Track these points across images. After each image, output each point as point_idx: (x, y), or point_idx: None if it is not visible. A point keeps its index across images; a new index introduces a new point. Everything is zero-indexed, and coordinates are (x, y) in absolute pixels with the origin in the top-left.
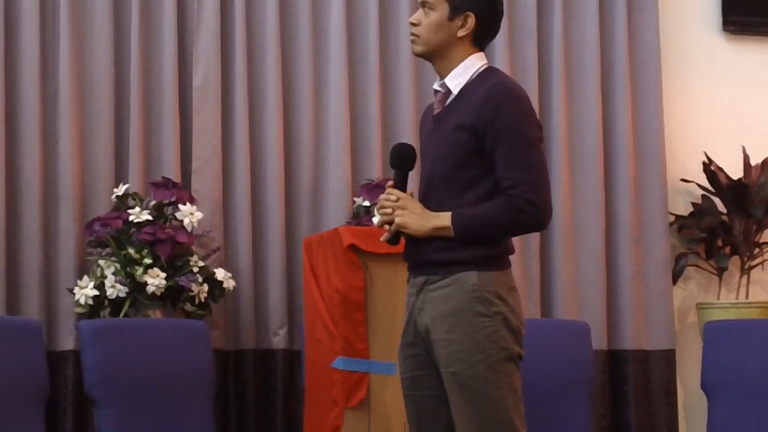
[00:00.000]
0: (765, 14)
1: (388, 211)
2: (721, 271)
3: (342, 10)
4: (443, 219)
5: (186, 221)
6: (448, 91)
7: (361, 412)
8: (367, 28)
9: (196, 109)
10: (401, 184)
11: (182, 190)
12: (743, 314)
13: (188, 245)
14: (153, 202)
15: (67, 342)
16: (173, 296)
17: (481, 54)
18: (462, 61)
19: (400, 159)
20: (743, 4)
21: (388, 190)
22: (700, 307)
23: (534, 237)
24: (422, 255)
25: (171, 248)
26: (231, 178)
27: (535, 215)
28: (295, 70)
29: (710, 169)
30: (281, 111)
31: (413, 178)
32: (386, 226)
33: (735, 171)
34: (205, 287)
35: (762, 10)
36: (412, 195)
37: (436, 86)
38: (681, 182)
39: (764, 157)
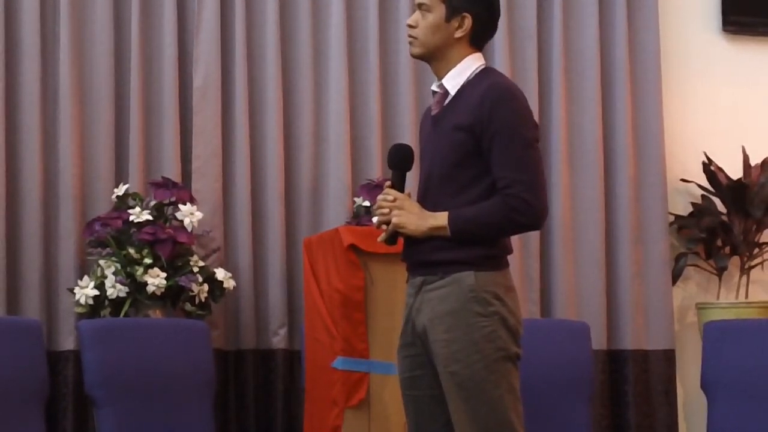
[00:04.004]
0: (765, 14)
1: (386, 211)
2: (720, 271)
3: (342, 10)
4: (440, 219)
5: (186, 221)
6: (446, 92)
7: (361, 412)
8: (367, 28)
9: (196, 109)
10: (399, 185)
11: (182, 190)
12: (743, 314)
13: (188, 245)
14: (153, 202)
15: (67, 342)
16: (173, 296)
17: (478, 54)
18: (459, 61)
19: (398, 159)
20: (743, 4)
21: (386, 190)
22: (700, 307)
23: (534, 237)
24: (420, 255)
25: (171, 248)
26: (231, 178)
27: (530, 215)
28: (295, 70)
29: (710, 169)
30: (281, 111)
31: (412, 178)
32: (384, 227)
33: (735, 171)
34: (205, 287)
35: (762, 10)
36: (409, 195)
37: (434, 87)
38: (681, 182)
39: (764, 157)
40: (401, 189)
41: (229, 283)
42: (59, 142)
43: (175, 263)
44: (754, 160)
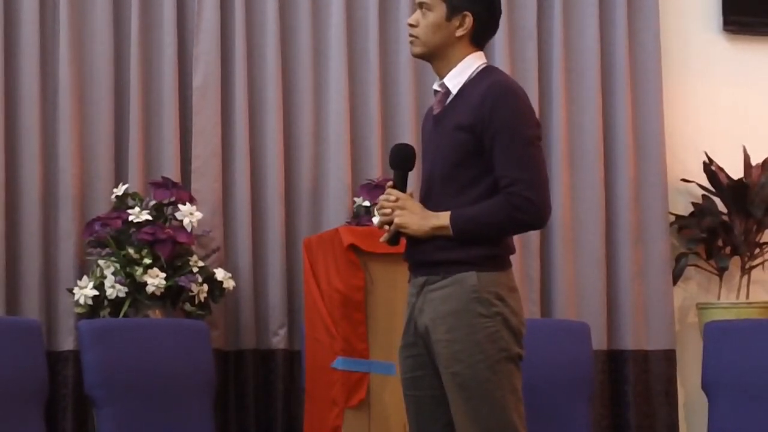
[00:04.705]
0: (765, 14)
1: (388, 211)
2: (721, 271)
3: (342, 10)
4: (442, 218)
5: (186, 221)
6: (448, 91)
7: (361, 412)
8: (367, 28)
9: (196, 109)
10: (401, 185)
11: (182, 190)
12: (744, 314)
13: (188, 245)
14: (153, 202)
15: (66, 342)
16: (173, 296)
17: (479, 53)
18: (461, 60)
19: (400, 159)
20: (743, 4)
21: (388, 190)
22: (701, 307)
23: (534, 237)
24: (422, 255)
25: (171, 248)
26: (231, 178)
27: (533, 213)
28: (295, 70)
29: (711, 169)
30: (281, 111)
31: (414, 178)
32: (386, 227)
33: (736, 171)
34: (205, 287)
35: (762, 9)
36: (411, 195)
37: (435, 86)
38: (681, 182)
39: (765, 157)
40: (403, 189)
41: (229, 284)
42: (59, 142)
43: (174, 263)
44: (755, 160)
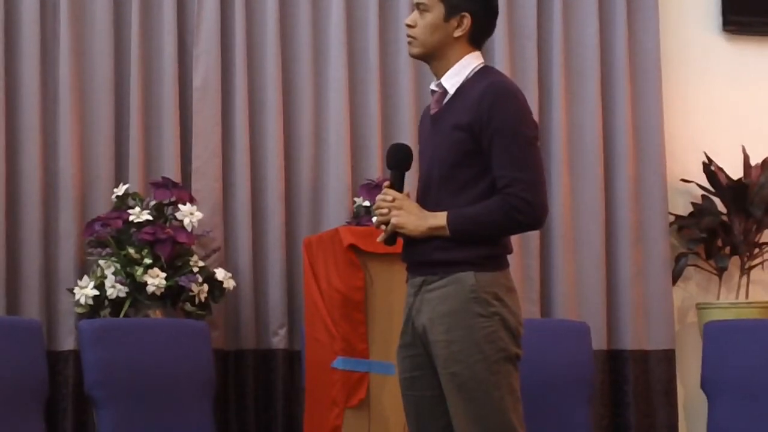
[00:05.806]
0: (765, 14)
1: (385, 211)
2: (721, 271)
3: (342, 10)
4: (439, 219)
5: (186, 221)
6: (445, 91)
7: (361, 412)
8: (367, 28)
9: (196, 109)
10: (398, 185)
11: (182, 190)
12: (743, 314)
13: (188, 245)
14: (153, 202)
15: (67, 342)
16: (173, 296)
17: (477, 53)
18: (458, 61)
19: (397, 159)
20: (743, 3)
21: (385, 190)
22: (700, 307)
23: (534, 237)
24: (420, 255)
25: (171, 248)
26: (231, 178)
27: (530, 214)
28: (295, 69)
29: (710, 169)
30: (281, 111)
31: (411, 177)
32: (383, 227)
33: (735, 171)
34: (205, 287)
35: (762, 9)
36: (408, 195)
37: (432, 86)
38: (681, 182)
39: (764, 157)
40: (400, 189)
41: (229, 283)
42: (59, 142)
43: (174, 263)
44: (755, 160)
